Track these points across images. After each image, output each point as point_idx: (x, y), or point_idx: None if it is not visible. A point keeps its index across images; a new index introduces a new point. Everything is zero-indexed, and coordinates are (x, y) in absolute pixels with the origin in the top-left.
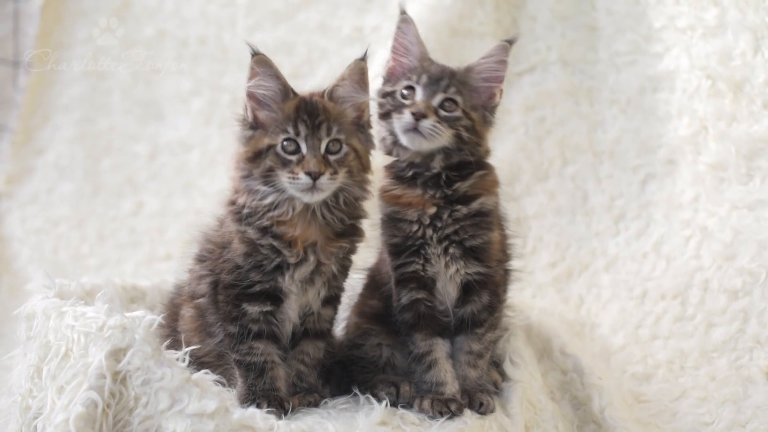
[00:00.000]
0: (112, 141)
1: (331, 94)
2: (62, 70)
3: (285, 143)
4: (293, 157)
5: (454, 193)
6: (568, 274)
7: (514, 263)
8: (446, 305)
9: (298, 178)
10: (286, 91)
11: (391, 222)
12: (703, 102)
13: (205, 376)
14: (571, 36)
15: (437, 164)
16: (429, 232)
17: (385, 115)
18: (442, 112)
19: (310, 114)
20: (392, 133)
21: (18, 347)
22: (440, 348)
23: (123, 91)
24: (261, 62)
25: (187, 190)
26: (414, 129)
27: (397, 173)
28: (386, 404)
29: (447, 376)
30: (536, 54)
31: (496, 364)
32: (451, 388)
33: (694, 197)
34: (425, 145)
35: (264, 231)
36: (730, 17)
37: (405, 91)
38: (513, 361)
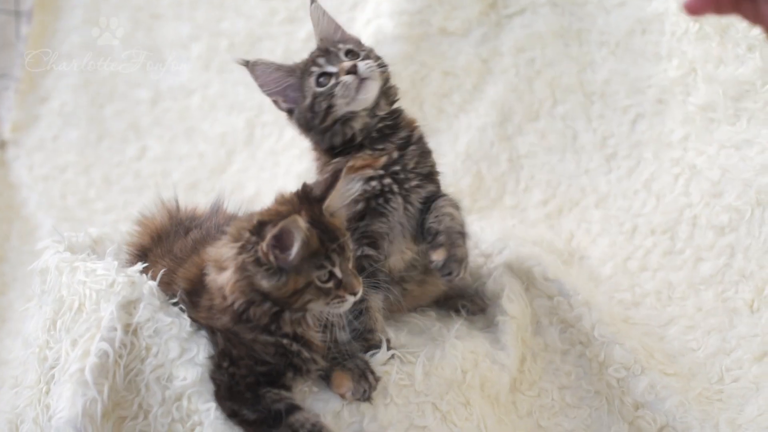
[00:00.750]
0: (115, 87)
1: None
2: (64, 18)
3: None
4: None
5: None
6: (559, 210)
7: (507, 200)
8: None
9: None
10: None
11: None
12: (691, 44)
13: None
14: None
15: (377, 113)
16: (387, 180)
17: (320, 86)
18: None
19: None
20: (336, 120)
21: (32, 299)
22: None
23: (124, 37)
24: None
25: (189, 134)
26: (361, 80)
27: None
28: None
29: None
30: None
31: None
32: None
33: (684, 137)
34: (374, 87)
35: None
36: None
37: (321, 79)
38: (509, 297)
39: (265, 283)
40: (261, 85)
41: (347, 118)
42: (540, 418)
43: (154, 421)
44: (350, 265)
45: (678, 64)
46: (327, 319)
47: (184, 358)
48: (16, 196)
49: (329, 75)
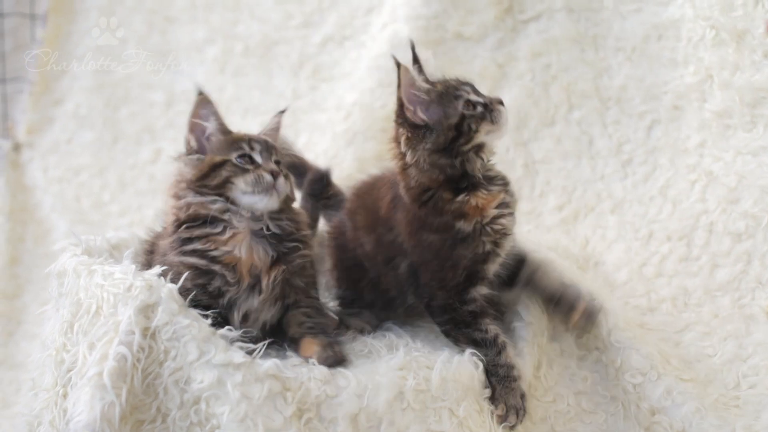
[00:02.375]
0: (130, 90)
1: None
2: (78, 20)
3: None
4: None
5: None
6: (574, 216)
7: (523, 206)
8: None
9: None
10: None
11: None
12: (708, 51)
13: (231, 333)
14: None
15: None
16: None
17: (466, 137)
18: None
19: (263, 142)
20: (475, 145)
21: (49, 302)
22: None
23: (138, 40)
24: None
25: None
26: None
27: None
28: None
29: None
30: (542, 2)
31: None
32: None
33: (700, 143)
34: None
35: None
36: None
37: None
38: (525, 304)
39: (186, 167)
40: (405, 91)
41: (479, 146)
42: (555, 424)
43: (173, 424)
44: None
45: (694, 70)
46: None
47: (201, 360)
48: (30, 198)
49: (475, 104)
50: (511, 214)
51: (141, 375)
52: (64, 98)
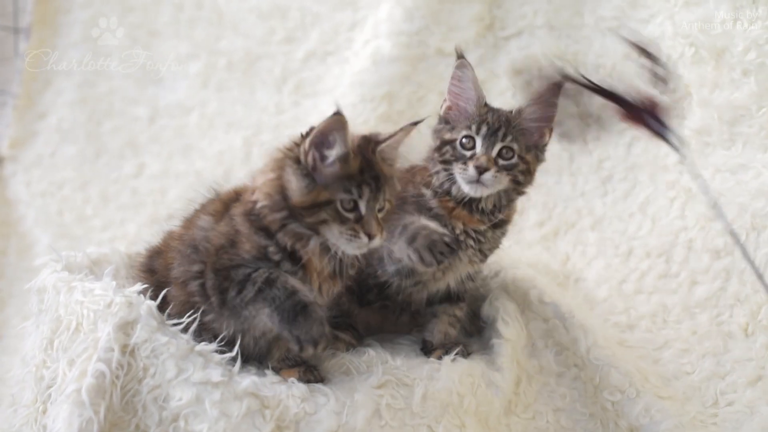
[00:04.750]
0: (113, 104)
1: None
2: (62, 35)
3: None
4: None
5: (495, 220)
6: (555, 232)
7: None
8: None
9: None
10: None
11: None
12: (687, 68)
13: (208, 346)
14: (557, 1)
15: (491, 203)
16: (470, 242)
17: (446, 162)
18: (501, 161)
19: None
20: (451, 176)
21: (30, 317)
22: None
23: (122, 55)
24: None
25: (186, 152)
26: (477, 181)
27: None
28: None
29: None
30: (523, 18)
31: None
32: None
33: (679, 160)
34: (486, 192)
35: None
36: None
37: (464, 140)
38: (504, 320)
39: (294, 183)
40: (454, 85)
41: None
42: None
43: None
44: (378, 212)
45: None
46: (336, 253)
47: (180, 378)
48: (13, 212)
49: (464, 147)
50: None
51: (120, 392)
52: (47, 112)
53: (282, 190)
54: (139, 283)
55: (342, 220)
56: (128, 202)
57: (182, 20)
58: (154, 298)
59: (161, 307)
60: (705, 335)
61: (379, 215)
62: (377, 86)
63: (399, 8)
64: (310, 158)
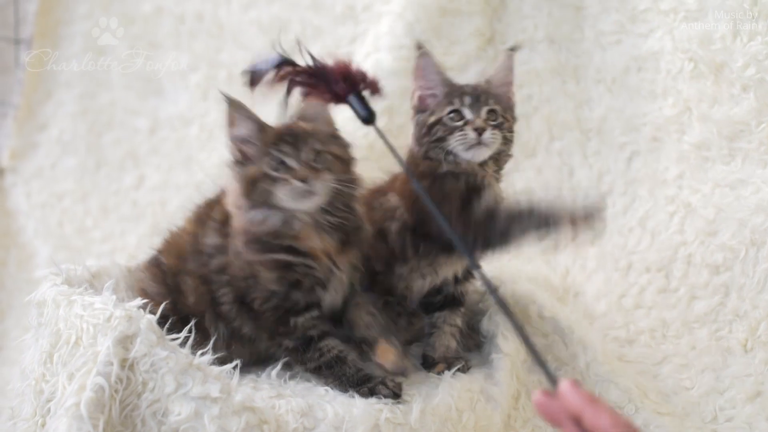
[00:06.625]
0: (114, 116)
1: (302, 115)
2: (62, 46)
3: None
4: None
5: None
6: (554, 245)
7: None
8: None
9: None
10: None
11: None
12: (686, 83)
13: (205, 358)
14: (558, 15)
15: (489, 169)
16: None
17: (439, 140)
18: (490, 122)
19: (294, 137)
20: (448, 152)
21: (29, 330)
22: None
23: (122, 66)
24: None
25: (187, 164)
26: (478, 143)
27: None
28: None
29: None
30: (523, 32)
31: None
32: None
33: (679, 175)
34: (486, 153)
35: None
36: (710, 1)
37: (452, 114)
38: (504, 335)
39: (236, 175)
40: (420, 76)
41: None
42: None
43: None
44: (314, 162)
45: (673, 102)
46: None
47: (179, 393)
48: (13, 223)
49: (454, 120)
50: None
51: (119, 406)
52: (48, 123)
53: (240, 195)
54: (145, 280)
55: (278, 180)
56: (128, 213)
57: (183, 32)
58: (155, 298)
59: (161, 323)
60: (704, 350)
61: (318, 165)
62: (377, 99)
63: (400, 22)
64: (236, 151)
